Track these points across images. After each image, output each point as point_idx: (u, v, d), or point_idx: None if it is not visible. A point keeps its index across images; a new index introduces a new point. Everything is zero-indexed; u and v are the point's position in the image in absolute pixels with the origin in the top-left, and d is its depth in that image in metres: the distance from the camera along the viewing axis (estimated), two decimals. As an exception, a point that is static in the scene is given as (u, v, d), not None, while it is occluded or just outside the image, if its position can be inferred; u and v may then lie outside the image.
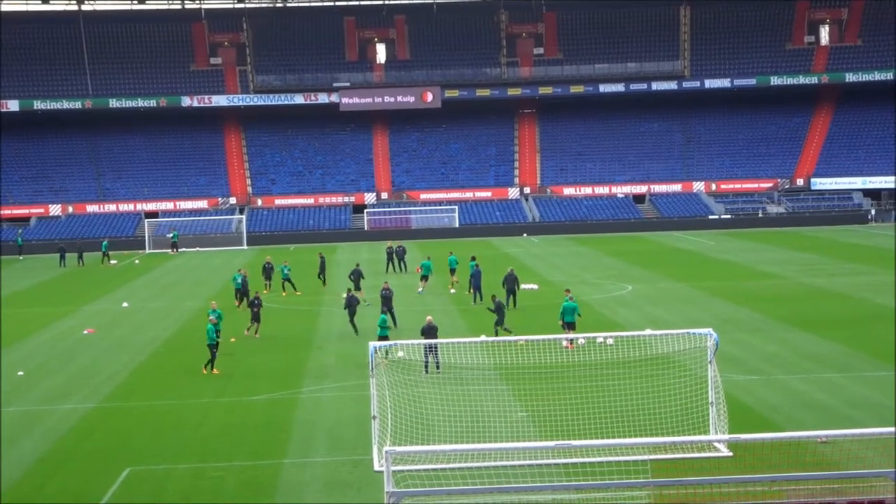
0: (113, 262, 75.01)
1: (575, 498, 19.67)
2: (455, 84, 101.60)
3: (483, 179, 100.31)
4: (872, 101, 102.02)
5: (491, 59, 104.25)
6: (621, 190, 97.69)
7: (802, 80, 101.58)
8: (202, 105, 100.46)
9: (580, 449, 21.98)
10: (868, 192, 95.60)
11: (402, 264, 62.29)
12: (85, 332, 43.86)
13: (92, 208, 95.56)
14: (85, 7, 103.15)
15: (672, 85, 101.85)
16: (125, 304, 51.83)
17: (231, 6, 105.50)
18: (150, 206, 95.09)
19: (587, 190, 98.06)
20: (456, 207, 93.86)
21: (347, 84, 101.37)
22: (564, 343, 31.72)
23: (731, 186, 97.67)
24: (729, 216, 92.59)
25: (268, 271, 54.89)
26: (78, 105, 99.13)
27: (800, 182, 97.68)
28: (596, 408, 26.10)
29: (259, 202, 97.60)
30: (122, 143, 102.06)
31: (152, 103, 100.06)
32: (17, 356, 38.65)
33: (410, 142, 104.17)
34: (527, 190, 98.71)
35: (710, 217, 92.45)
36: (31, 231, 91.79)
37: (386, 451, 17.73)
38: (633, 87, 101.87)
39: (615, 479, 20.24)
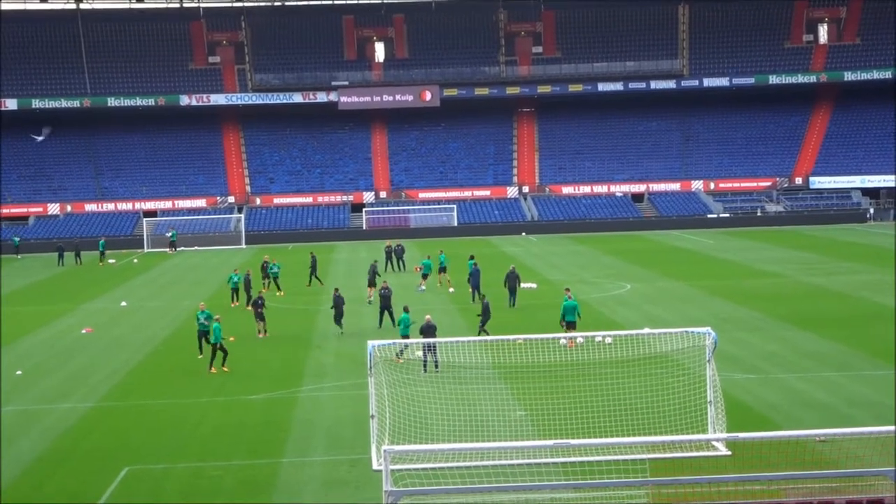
0: (112, 261, 74.97)
1: (573, 497, 19.63)
2: (454, 83, 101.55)
3: (482, 178, 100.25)
4: (871, 100, 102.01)
5: (489, 57, 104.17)
6: (620, 189, 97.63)
7: (801, 78, 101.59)
8: (200, 104, 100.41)
9: (578, 448, 21.99)
10: (867, 191, 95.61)
11: (400, 263, 62.31)
12: (83, 331, 43.81)
13: (90, 207, 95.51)
14: (83, 6, 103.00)
15: (671, 84, 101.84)
16: (123, 304, 51.83)
17: (229, 5, 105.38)
18: (149, 205, 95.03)
19: (586, 189, 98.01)
20: (454, 206, 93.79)
21: (346, 83, 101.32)
22: (563, 341, 31.68)
23: (729, 185, 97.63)
24: (728, 215, 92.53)
25: (266, 271, 54.96)
26: (76, 104, 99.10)
27: (798, 181, 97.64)
28: (594, 407, 26.08)
29: (257, 201, 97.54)
30: (120, 141, 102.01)
31: (151, 102, 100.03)
32: (15, 355, 38.62)
33: (409, 141, 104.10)
34: (525, 189, 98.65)
35: (709, 216, 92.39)
36: (30, 230, 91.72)
37: (384, 450, 17.75)
38: (632, 86, 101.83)
39: (614, 478, 20.23)
